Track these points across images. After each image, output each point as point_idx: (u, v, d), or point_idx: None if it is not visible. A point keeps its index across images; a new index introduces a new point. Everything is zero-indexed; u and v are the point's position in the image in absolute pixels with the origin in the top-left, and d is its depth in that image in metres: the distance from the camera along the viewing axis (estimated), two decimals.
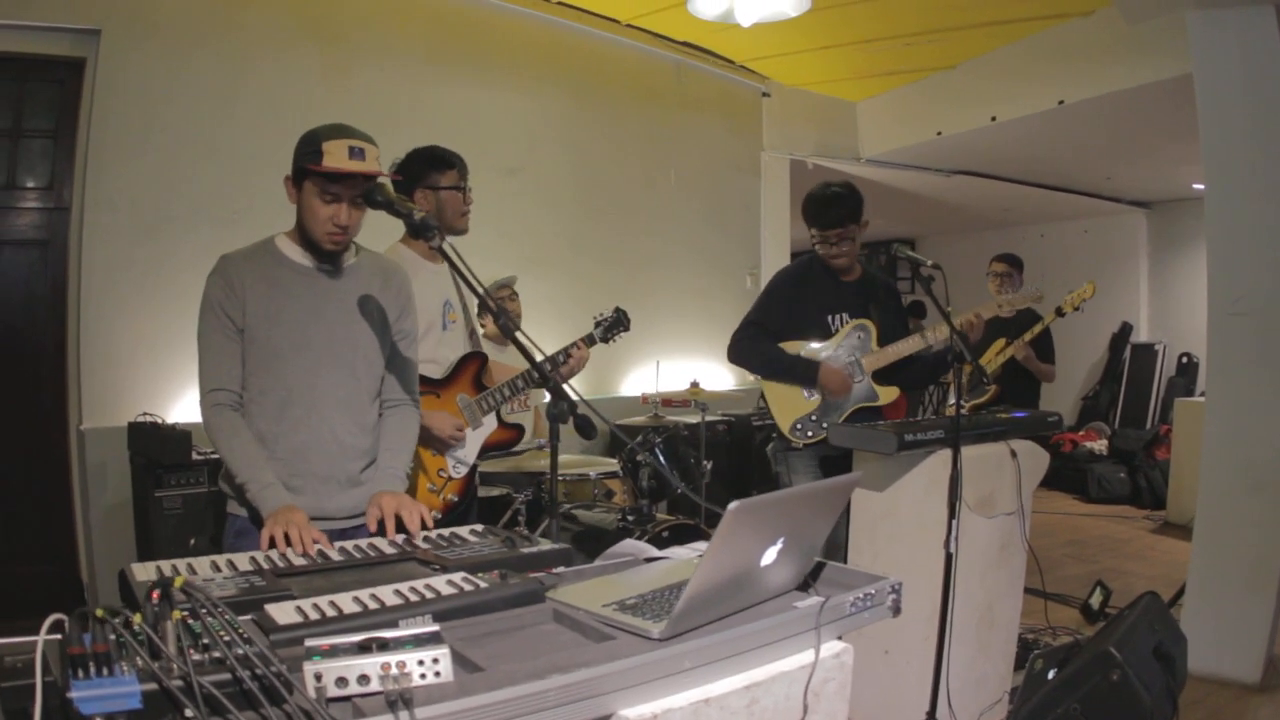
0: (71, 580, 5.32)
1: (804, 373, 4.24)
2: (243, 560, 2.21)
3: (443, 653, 1.41)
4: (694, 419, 6.61)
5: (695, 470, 5.81)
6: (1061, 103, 7.58)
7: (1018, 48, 7.87)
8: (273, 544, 2.37)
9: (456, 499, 3.62)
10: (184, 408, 5.34)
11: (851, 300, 4.37)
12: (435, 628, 1.48)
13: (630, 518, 4.77)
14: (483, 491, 4.85)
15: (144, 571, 2.01)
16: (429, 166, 3.57)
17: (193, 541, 4.87)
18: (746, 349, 4.37)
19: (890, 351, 4.30)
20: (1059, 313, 5.01)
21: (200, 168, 5.57)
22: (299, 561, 2.22)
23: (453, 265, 2.58)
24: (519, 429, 3.96)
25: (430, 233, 2.52)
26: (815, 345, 4.33)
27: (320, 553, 2.31)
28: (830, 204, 4.27)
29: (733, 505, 1.58)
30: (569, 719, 1.45)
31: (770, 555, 1.77)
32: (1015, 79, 7.96)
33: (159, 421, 5.10)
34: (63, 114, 5.31)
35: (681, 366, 8.23)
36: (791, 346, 4.32)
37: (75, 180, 5.26)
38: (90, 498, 5.26)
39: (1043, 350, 5.98)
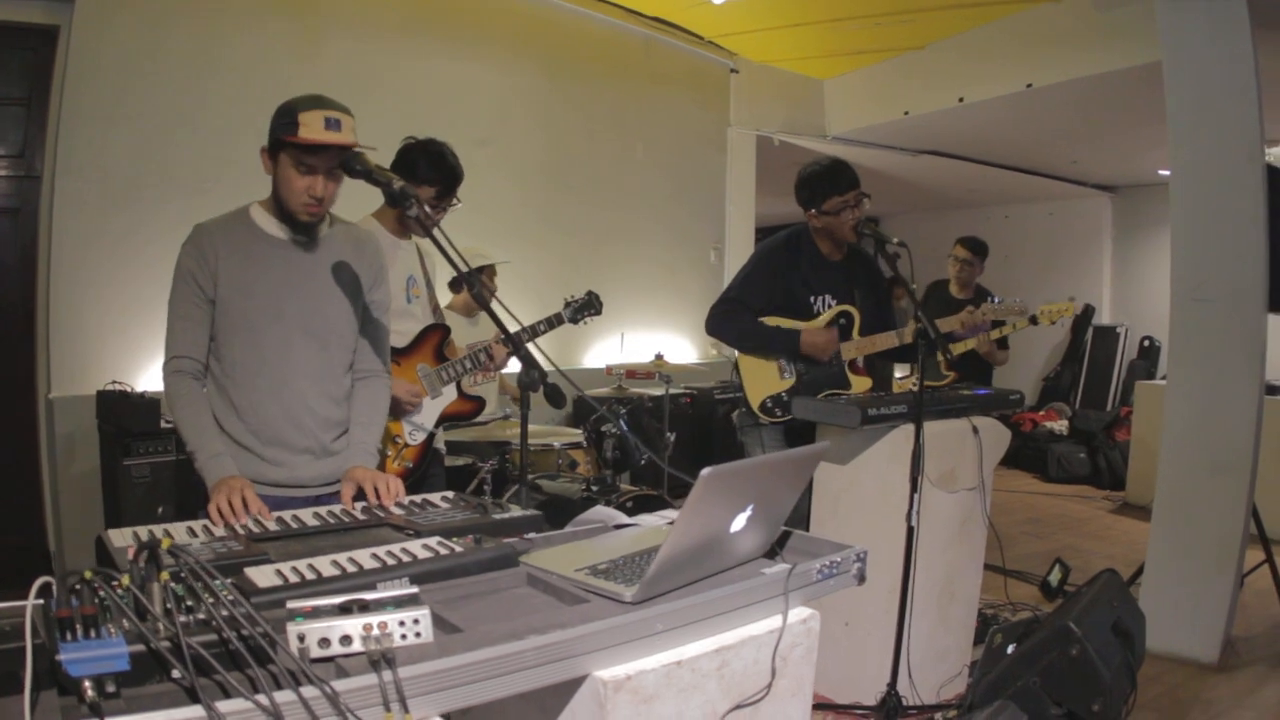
0: (39, 550, 5.30)
1: (785, 343, 4.21)
2: (219, 527, 2.24)
3: (423, 614, 1.45)
4: (658, 391, 6.67)
5: (659, 441, 5.85)
6: (1030, 86, 7.64)
7: (988, 30, 7.93)
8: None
9: (412, 465, 3.65)
10: (153, 376, 5.32)
11: (836, 281, 4.35)
12: (415, 589, 1.53)
13: (595, 488, 4.83)
14: (448, 460, 4.89)
15: (120, 537, 2.04)
16: (411, 172, 3.51)
17: (160, 510, 4.87)
18: (724, 324, 4.31)
19: (868, 343, 4.31)
20: (1033, 321, 5.06)
21: (173, 138, 5.54)
22: (273, 527, 2.24)
23: (430, 235, 2.59)
24: (479, 401, 3.99)
25: (408, 201, 2.53)
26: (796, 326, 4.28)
27: (295, 518, 2.34)
28: (843, 166, 4.24)
29: (706, 471, 1.62)
30: (545, 679, 1.50)
31: (740, 522, 1.82)
32: (984, 61, 8.02)
33: (128, 390, 5.08)
34: (35, 82, 5.26)
35: (645, 339, 8.32)
36: (772, 323, 4.27)
37: (46, 149, 5.23)
38: (58, 467, 5.25)
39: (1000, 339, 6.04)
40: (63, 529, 5.25)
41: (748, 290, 4.30)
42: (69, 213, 5.20)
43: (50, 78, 5.24)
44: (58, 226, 5.19)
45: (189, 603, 1.42)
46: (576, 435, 5.47)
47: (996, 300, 4.70)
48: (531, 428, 5.49)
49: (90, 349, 5.29)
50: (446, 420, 3.83)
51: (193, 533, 2.14)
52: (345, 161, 2.60)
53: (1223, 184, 4.73)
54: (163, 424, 4.94)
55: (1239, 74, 4.62)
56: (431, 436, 3.73)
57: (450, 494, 2.65)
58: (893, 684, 3.66)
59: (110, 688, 1.21)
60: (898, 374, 6.37)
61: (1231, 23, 4.62)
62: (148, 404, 4.92)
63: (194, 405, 2.71)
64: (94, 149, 5.26)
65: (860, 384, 4.34)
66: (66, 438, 5.24)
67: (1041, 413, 11.55)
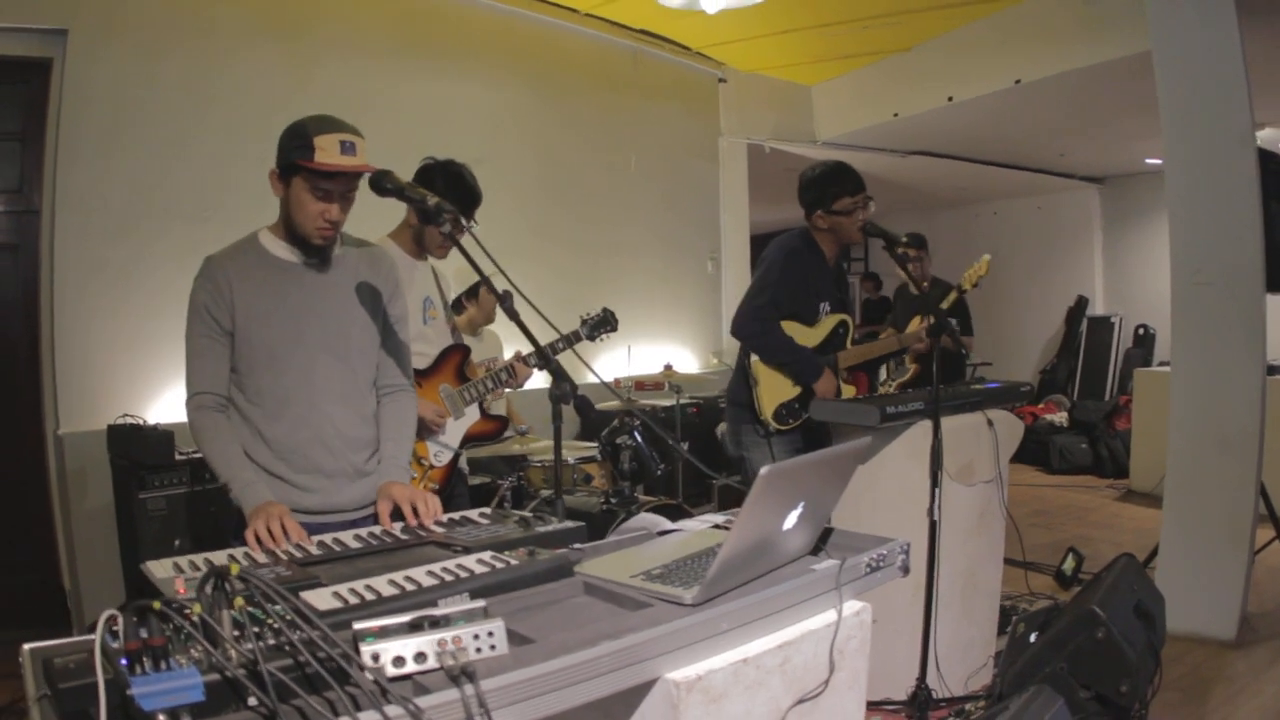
0: (54, 589, 5.28)
1: (810, 371, 4.23)
2: (259, 553, 2.25)
3: (497, 626, 1.46)
4: (667, 401, 6.70)
5: (673, 451, 5.87)
6: (1018, 82, 7.69)
7: (975, 28, 7.97)
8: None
9: (438, 487, 3.63)
10: (164, 408, 5.31)
11: (831, 287, 4.41)
12: (482, 603, 1.53)
13: (613, 500, 4.84)
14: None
15: (162, 568, 2.02)
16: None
17: (177, 543, 4.86)
18: (762, 332, 4.25)
19: (864, 350, 4.37)
20: (960, 290, 5.13)
21: (172, 166, 5.54)
22: (315, 551, 2.24)
23: (462, 249, 2.61)
24: (502, 420, 4.00)
25: (441, 219, 2.54)
26: (802, 331, 4.33)
27: (336, 540, 2.32)
28: (849, 167, 4.30)
29: (764, 470, 1.65)
30: (620, 684, 1.52)
31: (791, 520, 1.85)
32: (972, 59, 8.07)
33: (140, 423, 5.06)
34: (30, 116, 5.23)
35: (648, 351, 8.38)
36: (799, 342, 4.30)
37: (45, 183, 5.20)
38: (71, 503, 5.22)
39: (960, 324, 6.08)
40: (78, 566, 5.22)
41: (781, 293, 4.26)
42: (70, 246, 5.18)
43: (45, 111, 5.22)
44: (59, 261, 5.16)
45: (256, 629, 1.40)
46: (590, 449, 5.48)
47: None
48: (545, 443, 5.52)
49: (98, 383, 5.26)
50: (471, 440, 3.84)
51: (234, 559, 2.13)
52: (375, 180, 2.58)
53: (1217, 169, 4.80)
54: (177, 456, 4.93)
55: (1227, 60, 4.69)
56: (456, 457, 3.74)
57: (487, 510, 2.66)
58: (922, 677, 3.67)
59: None
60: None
61: (1218, 10, 4.68)
62: (161, 436, 4.89)
63: (221, 437, 2.70)
64: (92, 181, 5.25)
65: (847, 391, 4.39)
66: (78, 473, 5.21)
67: (1041, 405, 11.58)
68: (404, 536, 2.36)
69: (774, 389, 4.28)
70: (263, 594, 1.45)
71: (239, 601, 1.42)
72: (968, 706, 3.86)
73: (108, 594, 5.00)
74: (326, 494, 2.81)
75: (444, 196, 3.40)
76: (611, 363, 8.00)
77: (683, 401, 6.86)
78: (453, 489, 3.74)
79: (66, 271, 5.21)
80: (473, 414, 3.80)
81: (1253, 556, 4.88)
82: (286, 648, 1.37)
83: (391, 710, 1.27)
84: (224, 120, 5.72)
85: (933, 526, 3.63)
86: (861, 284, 15.01)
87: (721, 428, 4.60)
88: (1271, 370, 6.09)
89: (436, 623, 1.45)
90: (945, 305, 5.94)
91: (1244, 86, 4.66)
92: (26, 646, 1.42)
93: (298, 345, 2.75)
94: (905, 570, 2.11)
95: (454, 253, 2.81)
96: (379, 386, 2.99)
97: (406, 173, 3.61)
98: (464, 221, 2.59)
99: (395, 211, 3.55)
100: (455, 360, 3.73)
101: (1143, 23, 5.00)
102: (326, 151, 2.54)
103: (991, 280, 6.40)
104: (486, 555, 1.97)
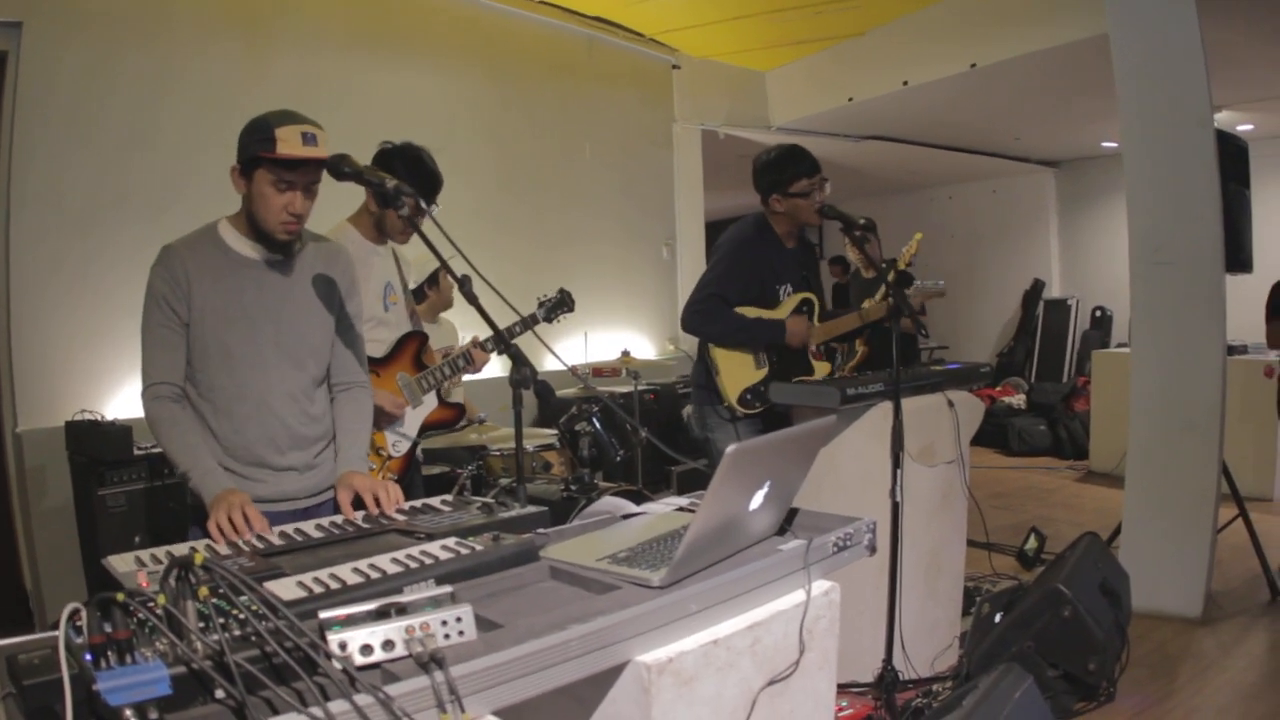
0: (14, 588, 5.20)
1: (769, 334, 4.21)
2: (221, 544, 2.22)
3: (465, 611, 1.44)
4: (625, 388, 6.71)
5: (633, 437, 5.87)
6: (974, 66, 7.73)
7: (930, 13, 8.01)
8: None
9: (396, 477, 3.58)
10: (122, 403, 5.25)
11: (794, 269, 4.39)
12: (449, 589, 1.52)
13: (574, 487, 4.83)
14: (424, 470, 4.86)
15: (123, 563, 2.00)
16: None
17: (137, 539, 4.80)
18: (706, 321, 4.24)
19: (831, 327, 4.38)
20: (896, 268, 5.18)
21: (129, 162, 5.47)
22: (277, 542, 2.22)
23: (422, 234, 2.59)
24: (459, 408, 3.96)
25: (400, 202, 2.51)
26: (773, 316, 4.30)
27: (298, 530, 2.31)
28: (803, 150, 4.31)
29: (730, 449, 1.65)
30: (591, 667, 1.52)
31: (758, 500, 1.85)
32: (927, 43, 8.11)
33: (98, 419, 5.00)
34: None
35: (605, 337, 8.42)
36: (752, 315, 4.27)
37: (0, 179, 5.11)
38: (30, 502, 5.15)
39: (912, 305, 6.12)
40: (39, 565, 5.14)
41: (726, 284, 4.25)
42: (27, 242, 5.11)
43: None
44: (16, 258, 5.09)
45: (221, 620, 1.37)
46: (549, 436, 5.46)
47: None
48: (503, 431, 5.50)
49: (56, 380, 5.20)
50: (429, 429, 3.80)
51: (196, 551, 2.10)
52: (334, 163, 2.55)
53: (1175, 149, 4.84)
54: (136, 451, 4.88)
55: (1186, 41, 4.73)
56: (414, 446, 3.71)
57: (449, 497, 2.64)
58: (888, 659, 3.69)
59: (153, 714, 1.16)
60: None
61: None
62: (119, 431, 4.84)
63: (179, 426, 2.66)
64: (49, 177, 5.18)
65: (821, 369, 4.40)
66: (37, 471, 5.15)
67: (998, 388, 11.66)
68: (366, 525, 2.34)
69: (735, 375, 4.28)
70: (228, 584, 1.43)
71: (204, 592, 1.39)
72: (935, 687, 3.88)
73: (70, 593, 4.90)
74: (276, 484, 2.79)
75: (404, 180, 3.38)
76: (568, 349, 7.99)
77: (640, 387, 6.86)
78: (409, 478, 3.70)
79: (24, 267, 5.14)
80: (430, 402, 3.75)
81: (1215, 535, 4.94)
82: (253, 638, 1.35)
83: (361, 699, 1.25)
84: (183, 114, 5.66)
85: (895, 508, 3.64)
86: (829, 268, 15.05)
87: (687, 410, 4.59)
88: (1231, 350, 6.18)
89: (403, 609, 1.43)
90: (882, 292, 5.95)
91: (1202, 68, 4.71)
92: None
93: (252, 344, 2.72)
94: (872, 549, 2.12)
95: (416, 238, 2.78)
96: (334, 383, 2.97)
97: (364, 161, 3.58)
98: (423, 205, 2.56)
99: (352, 199, 3.52)
100: (413, 348, 3.68)
101: (1099, 5, 5.03)
102: (288, 143, 2.52)
103: (947, 264, 6.44)
104: (451, 541, 1.96)
